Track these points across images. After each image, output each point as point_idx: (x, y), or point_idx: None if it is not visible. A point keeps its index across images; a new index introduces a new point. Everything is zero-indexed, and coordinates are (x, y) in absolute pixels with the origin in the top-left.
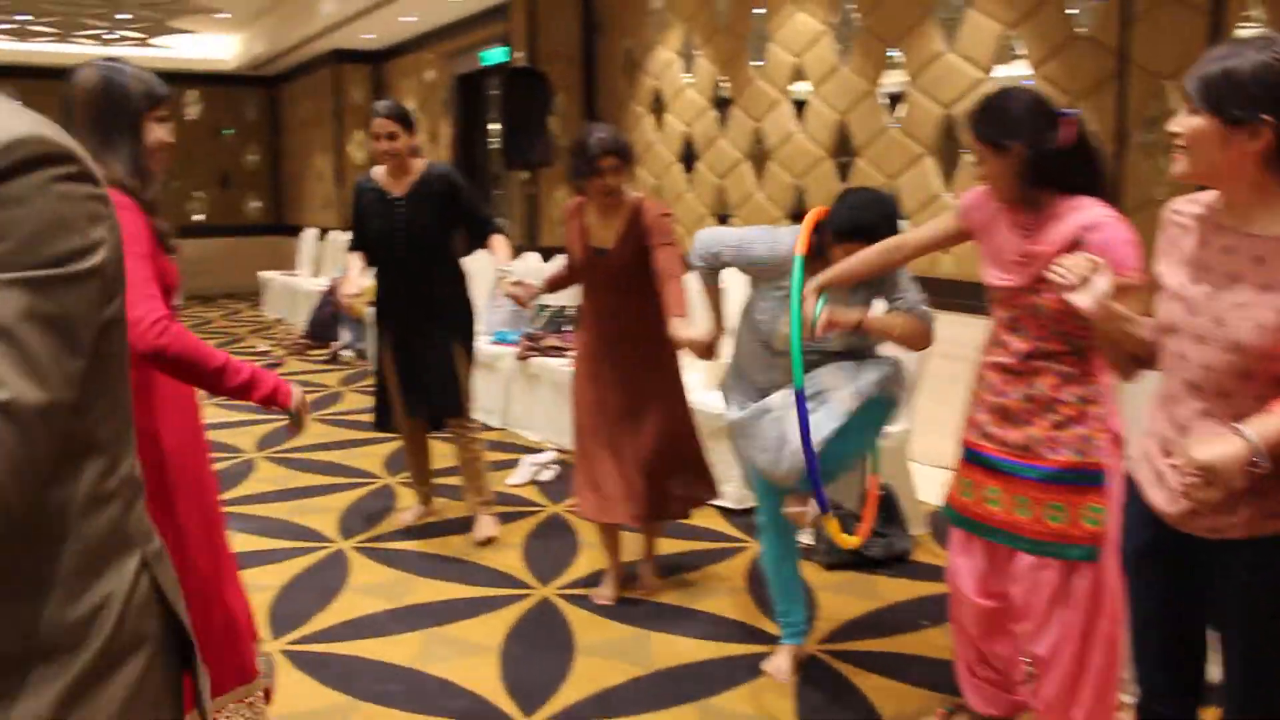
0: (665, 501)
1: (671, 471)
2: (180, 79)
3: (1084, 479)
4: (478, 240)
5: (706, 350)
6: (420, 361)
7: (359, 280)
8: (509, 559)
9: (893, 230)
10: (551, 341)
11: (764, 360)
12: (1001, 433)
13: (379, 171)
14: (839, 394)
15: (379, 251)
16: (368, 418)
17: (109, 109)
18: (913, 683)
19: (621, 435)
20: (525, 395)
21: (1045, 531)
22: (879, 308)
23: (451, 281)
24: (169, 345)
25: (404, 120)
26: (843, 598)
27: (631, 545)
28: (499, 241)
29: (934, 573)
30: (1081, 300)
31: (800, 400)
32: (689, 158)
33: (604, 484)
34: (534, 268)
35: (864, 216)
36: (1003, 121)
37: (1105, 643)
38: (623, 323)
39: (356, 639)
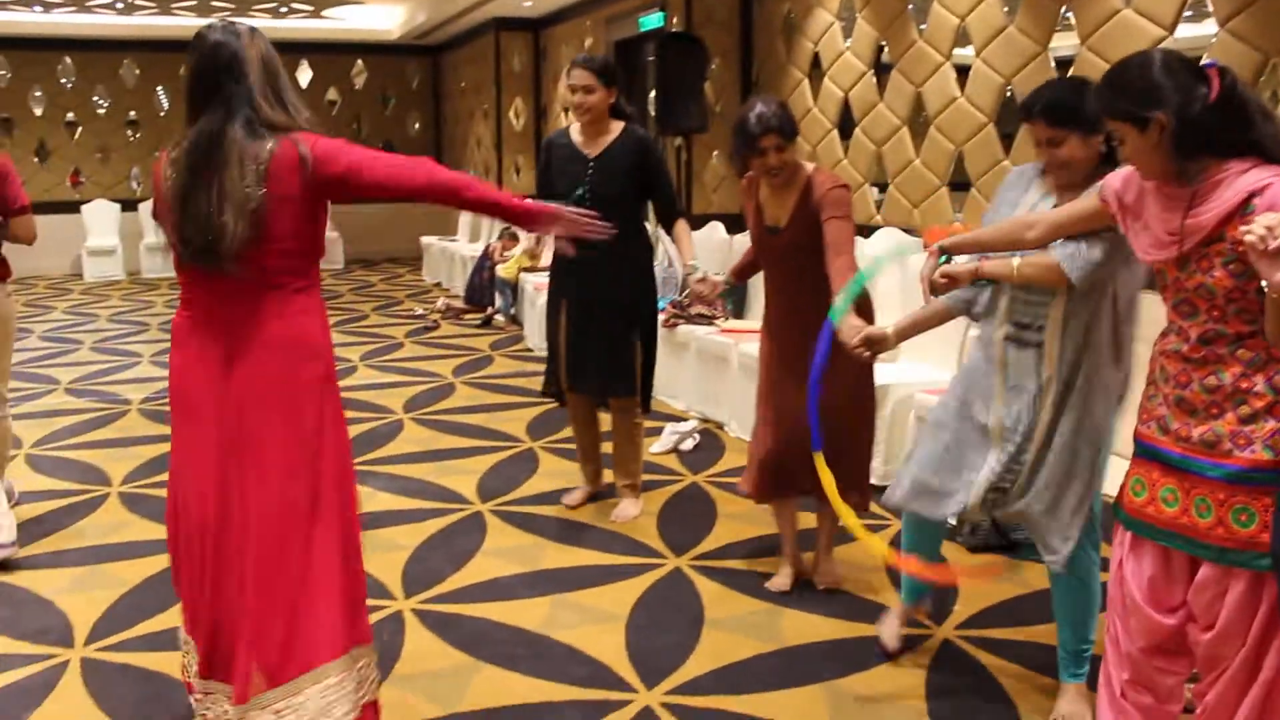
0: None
1: (840, 458)
2: (347, 49)
3: (1278, 479)
4: (662, 219)
5: (867, 344)
6: (593, 332)
7: (529, 241)
8: (644, 528)
9: (1084, 120)
10: (699, 309)
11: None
12: (1182, 427)
13: (575, 128)
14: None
15: None
16: (515, 382)
17: (276, 69)
18: (1053, 674)
19: (798, 417)
20: (671, 363)
21: (1231, 538)
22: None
23: (637, 250)
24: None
25: (604, 75)
26: (985, 582)
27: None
28: (682, 230)
29: None
30: (1274, 270)
31: (826, 329)
32: (847, 124)
33: (777, 461)
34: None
35: (1058, 94)
36: (1136, 90)
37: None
38: (799, 305)
39: (486, 601)
